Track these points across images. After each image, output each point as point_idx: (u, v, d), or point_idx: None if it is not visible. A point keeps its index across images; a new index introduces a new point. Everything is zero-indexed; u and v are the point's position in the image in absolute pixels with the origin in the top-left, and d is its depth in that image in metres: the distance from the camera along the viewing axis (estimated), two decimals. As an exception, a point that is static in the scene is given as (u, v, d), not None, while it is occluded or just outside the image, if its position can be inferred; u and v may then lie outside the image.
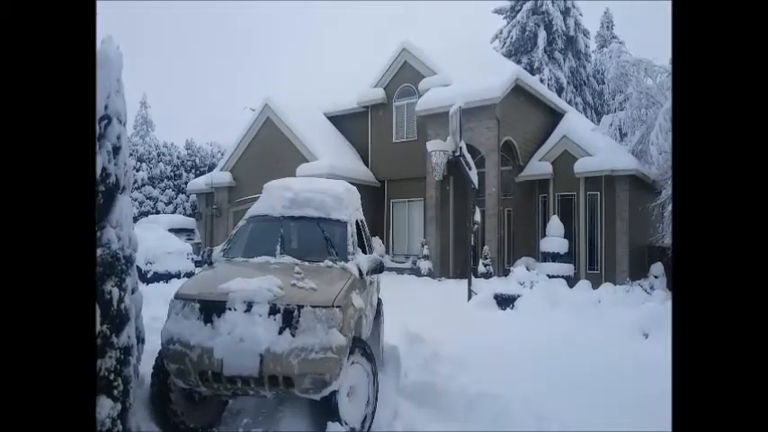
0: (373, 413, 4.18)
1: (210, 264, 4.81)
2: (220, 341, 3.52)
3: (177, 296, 3.89)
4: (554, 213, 16.65)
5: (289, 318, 3.64)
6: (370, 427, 4.10)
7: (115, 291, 3.27)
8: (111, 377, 3.16)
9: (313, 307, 3.68)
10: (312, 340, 3.58)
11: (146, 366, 4.10)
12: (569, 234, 16.07)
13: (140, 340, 3.81)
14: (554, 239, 15.33)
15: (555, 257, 15.18)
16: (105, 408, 3.10)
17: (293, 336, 3.58)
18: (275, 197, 5.30)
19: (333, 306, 3.74)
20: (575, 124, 18.48)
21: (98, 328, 3.10)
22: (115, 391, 3.20)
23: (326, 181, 5.94)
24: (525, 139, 17.88)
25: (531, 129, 18.19)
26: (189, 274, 11.39)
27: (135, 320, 3.53)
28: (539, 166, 17.39)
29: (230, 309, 3.63)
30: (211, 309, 3.68)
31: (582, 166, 16.42)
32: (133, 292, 3.61)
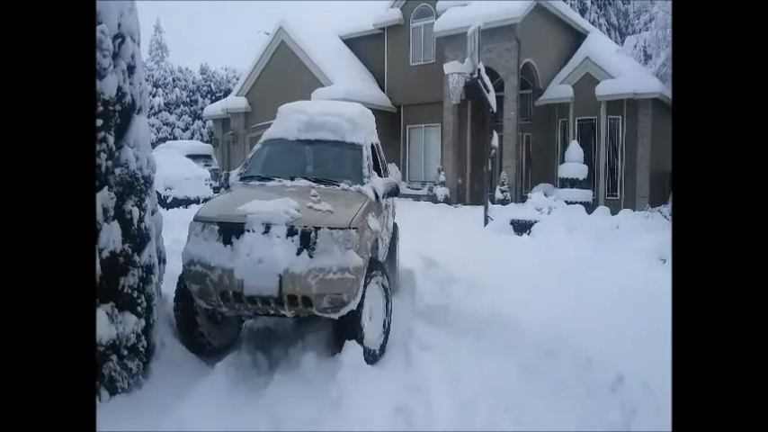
0: (387, 333, 4.31)
1: (227, 187, 4.81)
2: (240, 262, 3.58)
3: (196, 218, 3.92)
4: (574, 138, 16.33)
5: (306, 239, 3.68)
6: (384, 345, 4.24)
7: (135, 210, 3.33)
8: (135, 294, 3.28)
9: (330, 229, 3.71)
10: (329, 261, 3.63)
11: (167, 288, 4.23)
12: (589, 159, 15.81)
13: (161, 260, 3.91)
14: (573, 165, 15.10)
15: (573, 183, 15.01)
16: (129, 323, 3.24)
17: (311, 257, 3.64)
18: (290, 120, 5.24)
19: (349, 228, 3.77)
20: (598, 45, 17.75)
21: (120, 246, 3.18)
22: (138, 308, 3.32)
23: (341, 104, 5.83)
24: (546, 61, 17.27)
25: (552, 50, 17.52)
26: (207, 200, 11.52)
27: (156, 240, 3.62)
28: (559, 90, 16.89)
29: (249, 230, 3.67)
30: (230, 230, 3.72)
31: (604, 89, 15.91)
32: (153, 214, 3.67)
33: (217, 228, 3.77)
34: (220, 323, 4.22)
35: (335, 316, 3.79)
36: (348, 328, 3.92)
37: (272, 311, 3.76)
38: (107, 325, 3.10)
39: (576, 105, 16.70)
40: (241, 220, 3.72)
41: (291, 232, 3.68)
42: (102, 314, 3.09)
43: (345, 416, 3.25)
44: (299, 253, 3.64)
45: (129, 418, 3.09)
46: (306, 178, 4.62)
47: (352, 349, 3.81)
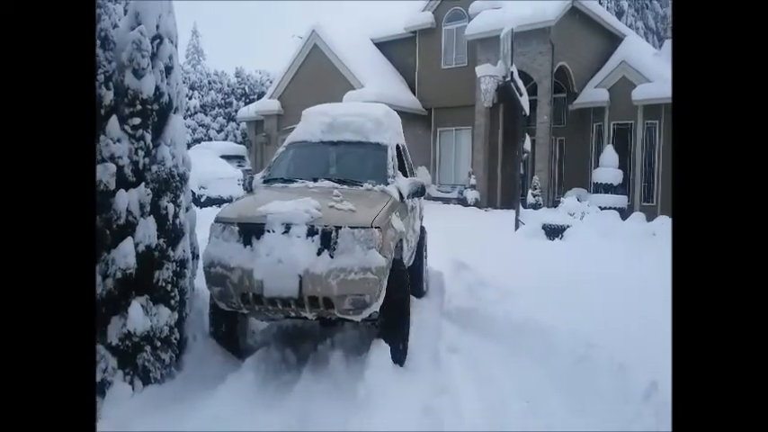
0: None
1: (251, 190, 4.78)
2: (260, 263, 3.52)
3: (217, 220, 3.88)
4: (609, 143, 16.04)
5: (327, 239, 3.61)
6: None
7: (170, 206, 3.41)
8: (169, 288, 3.35)
9: (351, 228, 3.63)
10: (351, 261, 3.54)
11: (200, 283, 4.30)
12: (624, 165, 15.52)
13: (195, 256, 3.97)
14: (608, 170, 14.83)
15: (608, 189, 14.73)
16: (163, 316, 3.31)
17: (332, 257, 3.56)
18: (314, 123, 5.24)
19: (372, 227, 3.67)
20: (635, 49, 17.41)
21: (155, 241, 3.25)
22: (172, 301, 3.39)
23: (365, 105, 5.84)
24: (581, 64, 17.03)
25: (587, 54, 17.27)
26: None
27: (189, 236, 3.68)
28: (594, 93, 16.62)
29: (269, 231, 3.60)
30: (250, 231, 3.66)
31: (641, 94, 15.59)
32: (187, 210, 3.75)
33: (237, 228, 3.71)
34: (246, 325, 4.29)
35: (358, 318, 3.72)
36: (399, 325, 3.90)
37: (293, 313, 3.69)
38: (142, 317, 3.18)
39: (612, 109, 16.41)
40: (261, 220, 3.66)
41: (312, 232, 3.60)
42: (137, 306, 3.17)
43: (372, 415, 3.24)
44: (319, 253, 3.56)
45: (161, 408, 3.16)
46: (329, 179, 4.57)
47: (379, 348, 3.80)
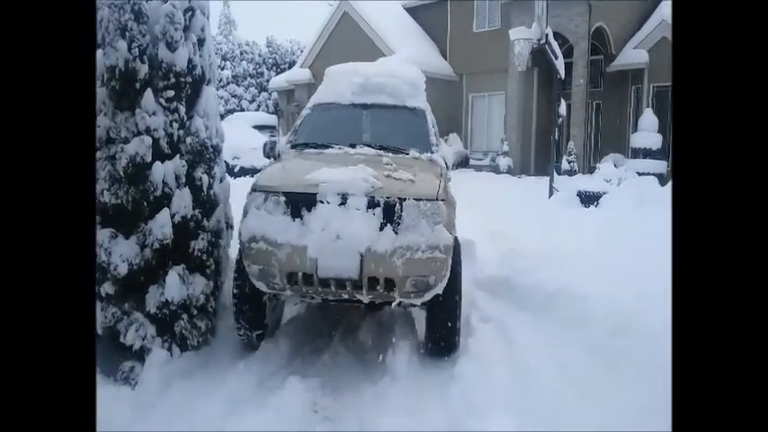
0: None
1: (276, 157, 4.30)
2: (314, 238, 3.12)
3: (257, 188, 3.44)
4: (648, 106, 15.53)
5: (390, 212, 3.22)
6: None
7: (205, 177, 3.48)
8: (204, 257, 3.43)
9: (416, 200, 3.26)
10: (417, 238, 3.18)
11: (234, 252, 4.38)
12: (664, 129, 15.03)
13: (229, 226, 4.03)
14: (646, 134, 14.37)
15: (646, 154, 14.30)
16: (199, 285, 3.40)
17: (396, 233, 3.18)
18: (343, 82, 4.82)
19: (437, 199, 3.34)
20: (678, 6, 16.66)
21: (190, 212, 3.33)
22: (207, 270, 3.48)
23: (398, 65, 5.52)
24: (619, 24, 16.39)
25: (625, 13, 16.58)
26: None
27: (224, 206, 3.74)
28: (633, 55, 16.02)
29: (322, 202, 3.22)
30: (300, 202, 3.26)
31: (683, 54, 14.98)
32: (221, 181, 3.81)
33: (283, 199, 3.29)
34: (276, 307, 3.96)
35: (418, 302, 3.38)
36: (449, 311, 3.52)
37: (345, 296, 3.28)
38: (178, 286, 3.28)
39: (652, 71, 15.81)
40: (312, 190, 3.26)
41: (372, 204, 3.22)
42: (173, 275, 3.27)
43: (399, 381, 3.30)
44: (381, 228, 3.18)
45: (197, 373, 3.29)
46: (369, 146, 4.14)
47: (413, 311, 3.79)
